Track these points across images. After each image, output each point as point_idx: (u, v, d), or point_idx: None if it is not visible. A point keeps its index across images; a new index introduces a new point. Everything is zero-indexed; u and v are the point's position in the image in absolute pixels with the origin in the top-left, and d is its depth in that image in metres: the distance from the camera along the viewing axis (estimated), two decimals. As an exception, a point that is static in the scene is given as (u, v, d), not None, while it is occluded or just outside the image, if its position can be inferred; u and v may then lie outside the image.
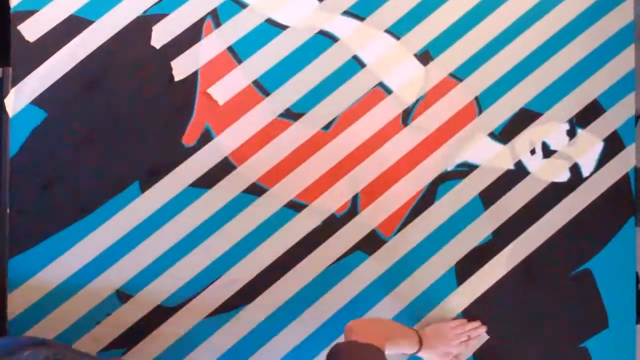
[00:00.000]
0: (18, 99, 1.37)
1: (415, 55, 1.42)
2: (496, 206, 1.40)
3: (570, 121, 1.43)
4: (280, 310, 1.37)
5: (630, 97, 1.43)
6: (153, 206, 1.37)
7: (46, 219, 1.36)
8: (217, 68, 1.40)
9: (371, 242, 1.39)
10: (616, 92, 1.43)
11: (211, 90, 1.39)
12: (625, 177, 1.42)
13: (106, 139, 1.38)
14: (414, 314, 1.38)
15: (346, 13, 1.41)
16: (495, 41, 1.43)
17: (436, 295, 1.38)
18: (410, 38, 1.41)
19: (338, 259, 1.38)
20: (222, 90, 1.39)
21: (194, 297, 1.36)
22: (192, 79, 1.39)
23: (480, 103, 1.42)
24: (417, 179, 1.40)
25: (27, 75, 1.38)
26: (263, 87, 1.40)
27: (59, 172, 1.37)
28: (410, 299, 1.38)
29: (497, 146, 1.41)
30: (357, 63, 1.41)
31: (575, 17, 1.44)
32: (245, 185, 1.38)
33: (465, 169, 1.41)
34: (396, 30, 1.41)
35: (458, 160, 1.41)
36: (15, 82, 1.37)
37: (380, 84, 1.41)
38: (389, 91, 1.41)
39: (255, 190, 1.38)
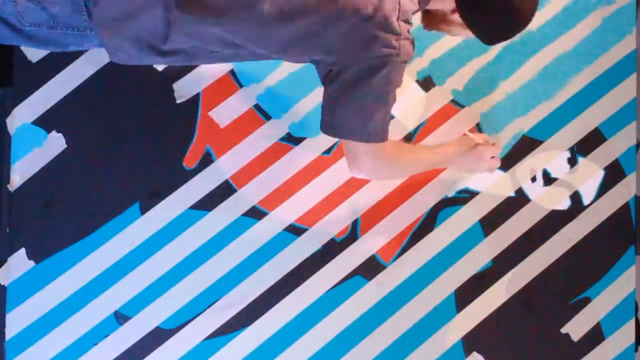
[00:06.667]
0: (19, 118, 1.37)
1: (417, 81, 1.42)
2: (496, 233, 1.40)
3: (571, 149, 1.43)
4: (278, 334, 1.36)
5: (632, 126, 1.44)
6: (153, 228, 1.37)
7: (45, 240, 1.36)
8: (219, 91, 1.40)
9: (371, 267, 1.38)
10: (617, 120, 1.43)
11: (212, 113, 1.39)
12: (626, 206, 1.42)
13: (106, 160, 1.38)
14: (413, 340, 1.37)
15: (348, 38, 1.41)
16: (498, 68, 1.43)
17: (435, 322, 1.38)
18: (413, 64, 1.41)
19: (337, 284, 1.38)
20: (224, 113, 1.39)
21: (193, 319, 1.36)
22: (193, 101, 1.39)
23: (482, 130, 1.42)
24: (418, 204, 1.40)
25: (28, 95, 1.38)
26: (264, 110, 1.40)
27: (58, 193, 1.37)
28: (409, 325, 1.37)
29: (498, 173, 1.41)
30: (359, 88, 1.40)
31: (577, 45, 1.44)
32: (245, 208, 1.38)
33: (465, 196, 1.41)
34: (398, 56, 1.41)
35: (458, 187, 1.41)
36: (16, 102, 1.37)
37: (382, 109, 1.40)
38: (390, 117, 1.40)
39: (255, 214, 1.38)
